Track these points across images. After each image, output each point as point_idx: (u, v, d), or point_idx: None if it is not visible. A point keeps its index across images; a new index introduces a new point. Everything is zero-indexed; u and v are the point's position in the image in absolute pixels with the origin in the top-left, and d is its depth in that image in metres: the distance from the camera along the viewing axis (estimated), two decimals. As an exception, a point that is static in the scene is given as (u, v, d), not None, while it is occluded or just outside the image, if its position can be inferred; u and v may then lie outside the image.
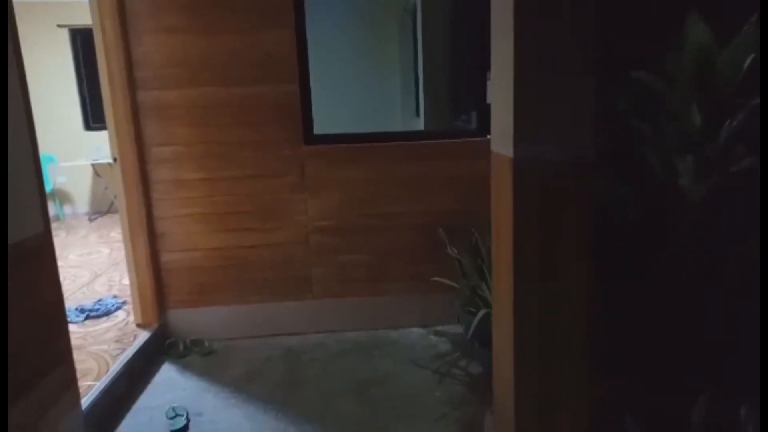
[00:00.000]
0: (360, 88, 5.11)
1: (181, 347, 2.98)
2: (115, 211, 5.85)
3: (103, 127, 3.00)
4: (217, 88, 2.92)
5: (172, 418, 2.31)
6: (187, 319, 3.09)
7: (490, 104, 2.05)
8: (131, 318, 3.16)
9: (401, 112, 5.22)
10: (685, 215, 1.80)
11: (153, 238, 3.04)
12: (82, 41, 6.36)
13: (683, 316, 1.70)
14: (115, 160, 2.92)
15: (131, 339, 2.92)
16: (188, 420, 2.32)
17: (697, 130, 1.81)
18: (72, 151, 6.45)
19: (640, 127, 1.86)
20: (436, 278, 2.90)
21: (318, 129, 3.04)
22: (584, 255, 1.81)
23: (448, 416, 2.29)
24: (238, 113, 2.95)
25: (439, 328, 3.11)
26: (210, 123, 2.95)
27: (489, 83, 2.98)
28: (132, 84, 2.87)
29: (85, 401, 2.25)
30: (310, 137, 2.99)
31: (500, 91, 1.86)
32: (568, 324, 1.81)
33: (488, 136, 2.00)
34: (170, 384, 2.64)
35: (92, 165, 6.60)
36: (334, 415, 2.33)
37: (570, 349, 1.83)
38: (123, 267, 3.55)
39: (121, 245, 3.10)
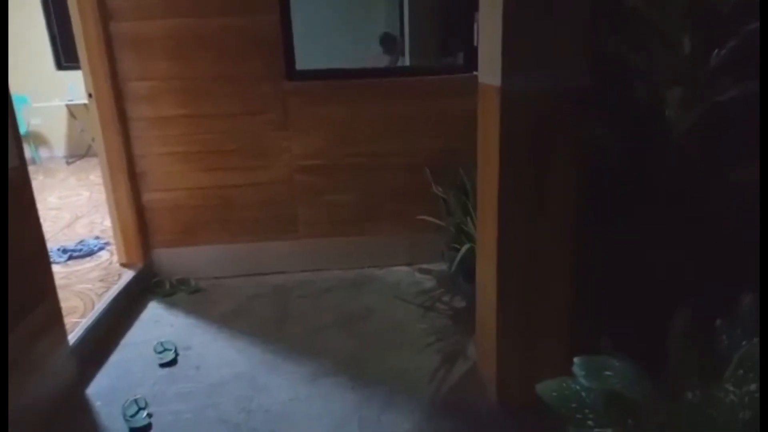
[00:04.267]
0: (343, 23, 4.93)
1: (168, 286, 2.98)
2: (94, 155, 5.71)
3: (76, 67, 2.86)
4: (194, 19, 2.78)
5: (160, 353, 2.35)
6: (173, 258, 3.08)
7: (477, 47, 2.00)
8: (115, 258, 3.14)
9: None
10: (671, 146, 1.81)
11: (133, 177, 2.98)
12: (48, -28, 6.00)
13: (664, 245, 1.73)
14: (90, 95, 2.81)
15: (116, 278, 2.91)
16: (177, 354, 2.35)
17: (687, 59, 1.78)
18: (45, 92, 6.21)
19: (631, 58, 1.83)
20: (421, 216, 2.92)
21: (301, 64, 2.94)
22: (572, 186, 1.82)
23: (432, 346, 2.36)
24: (216, 46, 2.83)
25: (425, 266, 3.15)
26: (188, 56, 2.83)
27: (476, 25, 2.90)
28: (104, 14, 2.72)
29: (72, 337, 2.26)
30: (292, 72, 2.90)
31: (489, 20, 1.80)
32: (553, 253, 1.84)
33: (475, 72, 1.95)
34: (157, 321, 2.66)
35: (67, 106, 6.38)
36: (322, 347, 2.38)
37: (553, 279, 1.87)
38: (104, 209, 3.51)
39: (101, 188, 3.04)
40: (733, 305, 1.18)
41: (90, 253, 3.28)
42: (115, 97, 2.83)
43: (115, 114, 2.84)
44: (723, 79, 1.73)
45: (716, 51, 1.74)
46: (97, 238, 3.55)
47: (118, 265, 3.07)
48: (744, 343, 1.12)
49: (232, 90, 2.90)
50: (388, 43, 4.53)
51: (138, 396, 2.03)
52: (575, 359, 1.18)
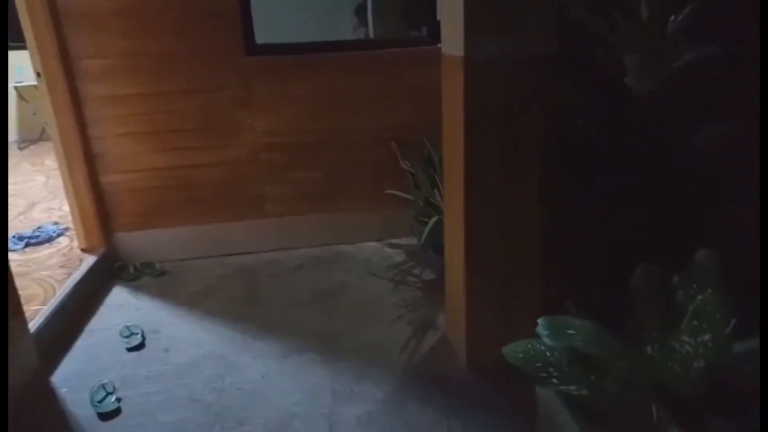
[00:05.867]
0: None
1: (132, 270, 2.91)
2: (48, 139, 5.48)
3: (23, 46, 2.71)
4: (147, -9, 2.67)
5: (127, 337, 2.30)
6: (136, 241, 3.01)
7: (440, 21, 1.97)
8: (75, 244, 3.04)
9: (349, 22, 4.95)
10: (633, 112, 1.84)
11: (91, 159, 2.87)
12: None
13: (628, 207, 1.77)
14: (39, 74, 2.68)
15: (77, 264, 2.82)
16: (144, 337, 2.31)
17: (645, 25, 1.81)
18: (-9, 75, 5.90)
19: (593, 25, 1.84)
20: (389, 191, 2.91)
21: (262, 38, 2.86)
22: (538, 153, 1.83)
23: (403, 318, 2.38)
24: (172, 21, 2.73)
25: (395, 240, 3.16)
26: (143, 33, 2.72)
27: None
28: (49, -12, 2.59)
29: (33, 324, 2.20)
30: (252, 47, 2.82)
31: (450, -14, 1.78)
32: (520, 220, 1.87)
33: (440, 45, 1.93)
34: (122, 305, 2.61)
35: (15, 88, 6.09)
36: (294, 325, 2.37)
37: (521, 245, 1.90)
38: (61, 194, 3.37)
39: (58, 173, 2.93)
40: (689, 261, 1.22)
41: (48, 240, 3.17)
42: (66, 76, 2.71)
43: (67, 94, 2.72)
44: (680, 44, 1.76)
45: (673, 17, 1.77)
46: (55, 223, 3.42)
47: (78, 250, 2.98)
48: (699, 297, 1.16)
49: (190, 66, 2.81)
50: (364, 14, 4.40)
51: (105, 381, 2.00)
52: (539, 320, 1.21)
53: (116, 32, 2.71)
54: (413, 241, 3.04)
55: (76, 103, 2.77)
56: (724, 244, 1.17)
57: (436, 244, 2.47)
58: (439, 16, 2.88)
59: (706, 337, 1.02)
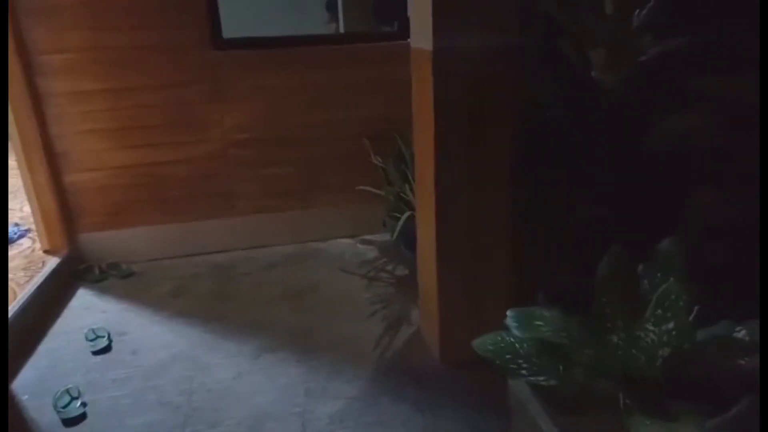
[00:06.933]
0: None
1: (97, 271, 2.83)
2: (9, 138, 5.29)
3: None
4: (109, -16, 2.59)
5: (92, 340, 2.23)
6: (102, 242, 2.92)
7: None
8: (38, 245, 2.94)
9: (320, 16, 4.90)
10: (600, 105, 1.86)
11: (53, 158, 2.78)
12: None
13: (596, 198, 1.79)
14: (-6, 69, 2.57)
15: (39, 266, 2.73)
16: (110, 340, 2.25)
17: (610, 20, 1.83)
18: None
19: (559, 18, 1.86)
20: (361, 187, 2.89)
21: (229, 32, 2.81)
22: (508, 147, 1.84)
23: (376, 314, 2.37)
24: (136, 13, 2.65)
25: (367, 237, 3.15)
26: (106, 25, 2.64)
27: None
28: (4, -22, 2.48)
29: (-7, 329, 2.11)
30: (219, 41, 2.77)
31: (418, -17, 1.77)
32: (491, 214, 1.87)
33: (409, 40, 1.93)
34: (88, 307, 2.53)
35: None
36: (266, 323, 2.34)
37: (492, 239, 1.90)
38: (22, 194, 3.26)
39: (17, 173, 2.82)
40: (653, 251, 1.23)
41: (9, 242, 3.06)
42: (24, 71, 2.61)
43: (25, 91, 2.63)
44: (645, 38, 1.79)
45: (637, 11, 1.79)
46: (16, 225, 3.31)
47: (41, 252, 2.88)
48: (663, 286, 1.18)
49: (156, 61, 2.74)
50: (335, 8, 4.36)
51: (70, 386, 1.93)
52: (508, 312, 1.21)
53: (78, 25, 2.62)
54: (386, 236, 3.03)
55: (36, 99, 2.67)
56: (688, 232, 1.19)
57: (408, 239, 2.46)
58: (409, 12, 2.88)
59: (670, 325, 1.04)
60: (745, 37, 1.42)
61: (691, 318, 1.06)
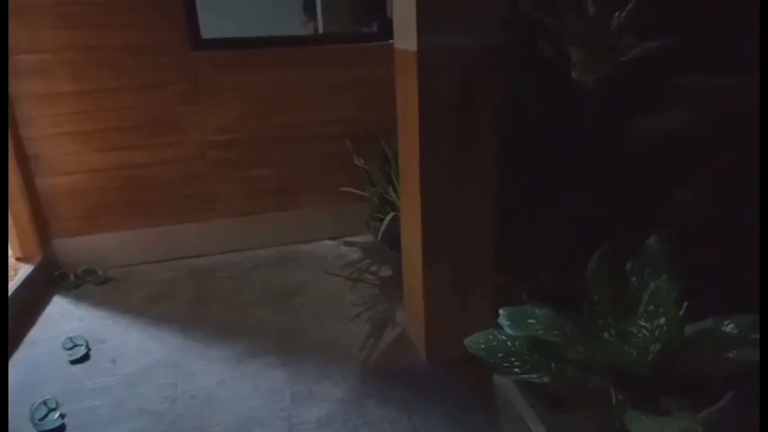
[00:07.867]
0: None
1: (72, 278, 2.75)
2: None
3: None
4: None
5: (70, 349, 2.17)
6: (77, 247, 2.84)
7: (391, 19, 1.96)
8: (10, 252, 2.84)
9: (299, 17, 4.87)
10: (580, 104, 1.89)
11: (24, 161, 2.69)
12: None
13: (580, 198, 1.81)
14: (-38, 70, 2.48)
15: (12, 274, 2.64)
16: (89, 348, 2.18)
17: (590, 21, 1.85)
18: None
19: (542, 19, 1.88)
20: (344, 188, 2.88)
21: (208, 33, 2.76)
22: (493, 146, 1.85)
23: (362, 316, 2.35)
24: (112, 13, 2.58)
25: (350, 238, 3.13)
26: (81, 25, 2.57)
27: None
28: (-29, -24, 2.40)
29: (-37, 339, 2.03)
30: (198, 42, 2.72)
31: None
32: (476, 212, 1.87)
33: (392, 41, 1.92)
34: (64, 315, 2.45)
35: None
36: (249, 327, 2.30)
37: (477, 237, 1.91)
38: (-8, 199, 3.15)
39: (-13, 176, 2.73)
40: (640, 248, 1.25)
41: (-21, 249, 2.95)
42: (-5, 72, 2.52)
43: (-4, 91, 2.54)
44: (625, 39, 1.82)
45: (617, 13, 1.82)
46: (-14, 231, 3.19)
47: (13, 259, 2.78)
48: (652, 283, 1.20)
49: (133, 62, 2.67)
50: (313, 9, 4.35)
51: (47, 397, 1.87)
52: (501, 310, 1.21)
53: (52, 25, 2.54)
54: (369, 238, 3.01)
55: (8, 101, 2.59)
56: (673, 228, 1.20)
57: (392, 240, 2.45)
58: (389, 13, 2.88)
59: (662, 321, 1.05)
60: (724, 37, 1.45)
61: (681, 313, 1.07)
